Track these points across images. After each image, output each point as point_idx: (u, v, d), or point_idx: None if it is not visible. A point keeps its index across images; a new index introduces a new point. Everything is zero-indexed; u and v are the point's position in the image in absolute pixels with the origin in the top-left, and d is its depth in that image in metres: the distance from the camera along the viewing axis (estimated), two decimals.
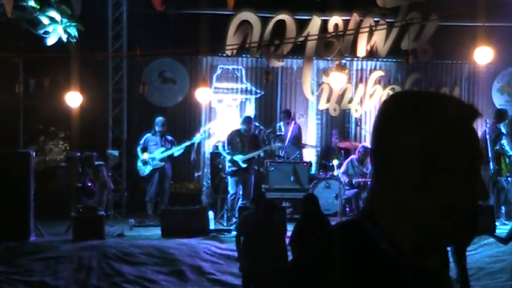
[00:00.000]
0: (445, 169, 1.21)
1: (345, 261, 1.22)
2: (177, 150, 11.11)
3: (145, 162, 11.09)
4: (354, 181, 11.12)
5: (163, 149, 11.11)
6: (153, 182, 11.14)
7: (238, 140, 10.86)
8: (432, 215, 1.22)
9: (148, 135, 11.27)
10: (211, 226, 10.17)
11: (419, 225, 1.23)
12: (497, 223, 10.04)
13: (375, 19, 12.18)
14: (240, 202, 10.56)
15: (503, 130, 11.06)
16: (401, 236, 1.24)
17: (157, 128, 11.20)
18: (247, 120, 11.10)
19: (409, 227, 1.24)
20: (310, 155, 12.71)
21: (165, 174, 11.19)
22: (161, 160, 11.09)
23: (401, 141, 1.22)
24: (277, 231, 6.86)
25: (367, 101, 13.18)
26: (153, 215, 11.13)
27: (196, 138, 11.31)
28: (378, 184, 1.29)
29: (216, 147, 11.85)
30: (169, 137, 11.29)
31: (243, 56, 12.98)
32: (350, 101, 13.08)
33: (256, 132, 11.80)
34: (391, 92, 13.23)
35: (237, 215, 9.94)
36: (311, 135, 13.15)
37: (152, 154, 11.09)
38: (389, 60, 13.11)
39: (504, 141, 10.94)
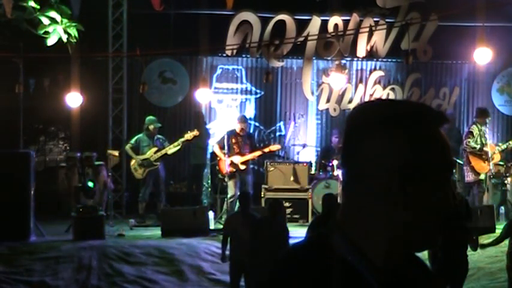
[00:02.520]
0: (420, 179, 1.18)
1: (311, 277, 1.19)
2: (170, 149, 11.12)
3: (141, 165, 11.07)
4: None
5: (156, 149, 11.10)
6: (148, 184, 11.13)
7: (234, 141, 10.83)
8: (406, 225, 1.20)
9: (140, 135, 11.24)
10: (211, 226, 10.17)
11: (391, 235, 1.20)
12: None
13: (375, 19, 12.18)
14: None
15: (477, 128, 10.83)
16: (371, 247, 1.21)
17: (151, 128, 11.17)
18: (242, 120, 11.08)
19: (380, 238, 1.21)
20: (310, 155, 12.72)
21: (159, 175, 11.18)
22: (155, 161, 11.09)
23: (374, 152, 1.20)
24: (280, 231, 6.92)
25: None
26: (146, 215, 11.18)
27: (189, 136, 11.22)
28: (349, 195, 1.26)
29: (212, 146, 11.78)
30: (160, 136, 11.29)
31: (243, 56, 12.98)
32: (350, 101, 13.07)
33: (256, 132, 11.80)
34: (391, 92, 13.25)
35: None
36: (311, 135, 13.15)
37: (145, 155, 11.07)
38: (389, 60, 13.11)
39: (469, 139, 10.71)
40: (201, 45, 12.03)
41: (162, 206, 10.97)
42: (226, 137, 10.84)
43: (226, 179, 10.74)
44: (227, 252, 7.43)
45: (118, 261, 8.71)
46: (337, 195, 11.07)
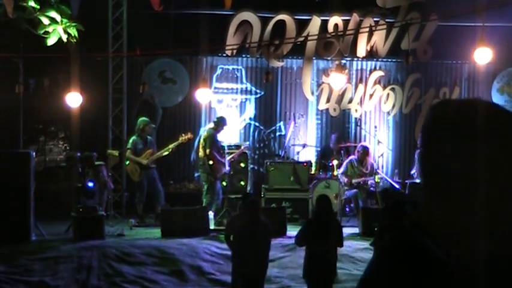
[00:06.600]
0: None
1: (410, 278, 1.20)
2: (165, 151, 11.12)
3: (140, 167, 11.05)
4: (353, 181, 11.11)
5: (151, 151, 11.09)
6: (144, 186, 11.11)
7: (220, 142, 10.88)
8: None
9: (134, 138, 11.21)
10: (211, 226, 10.18)
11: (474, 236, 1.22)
12: None
13: (375, 19, 12.19)
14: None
15: None
16: (460, 248, 1.22)
17: (147, 129, 11.15)
18: (224, 121, 11.03)
19: (465, 239, 1.22)
20: (310, 155, 12.72)
21: (154, 176, 11.17)
22: (151, 163, 11.08)
23: (446, 156, 1.21)
24: (263, 231, 6.92)
25: (367, 101, 13.19)
26: (146, 216, 11.17)
27: (183, 138, 11.19)
28: (429, 196, 1.26)
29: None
30: (150, 138, 11.28)
31: (243, 56, 12.98)
32: (350, 101, 13.09)
33: (256, 132, 11.82)
34: (391, 92, 13.25)
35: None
36: (311, 135, 13.16)
37: (141, 157, 11.05)
38: (389, 60, 13.12)
39: None
40: (201, 45, 12.03)
41: (161, 207, 10.96)
42: (214, 138, 10.82)
43: (204, 183, 10.84)
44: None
45: (118, 261, 8.71)
46: (337, 195, 11.12)
